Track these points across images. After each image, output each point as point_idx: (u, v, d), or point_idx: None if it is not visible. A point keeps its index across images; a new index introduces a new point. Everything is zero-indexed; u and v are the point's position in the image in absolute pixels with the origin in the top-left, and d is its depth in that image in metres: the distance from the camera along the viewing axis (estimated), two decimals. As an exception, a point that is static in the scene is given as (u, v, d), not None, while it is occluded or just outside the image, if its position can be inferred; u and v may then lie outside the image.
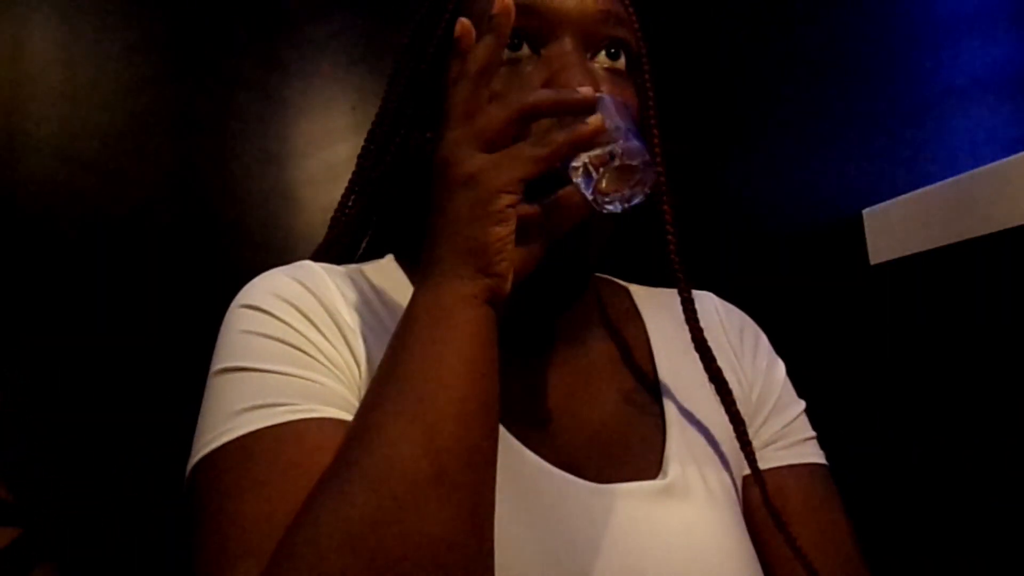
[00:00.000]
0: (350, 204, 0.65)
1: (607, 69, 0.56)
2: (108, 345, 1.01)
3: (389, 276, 0.60)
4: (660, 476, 0.55)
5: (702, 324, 0.61)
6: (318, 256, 0.64)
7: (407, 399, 0.42)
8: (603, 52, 0.56)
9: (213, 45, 1.11)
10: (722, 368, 0.60)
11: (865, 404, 0.96)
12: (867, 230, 0.98)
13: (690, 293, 0.59)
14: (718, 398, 0.59)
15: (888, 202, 0.96)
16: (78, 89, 1.07)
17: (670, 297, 0.66)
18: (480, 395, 0.43)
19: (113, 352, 1.01)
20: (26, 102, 1.05)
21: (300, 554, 0.38)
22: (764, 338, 0.69)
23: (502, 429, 0.51)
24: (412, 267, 0.61)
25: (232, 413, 0.47)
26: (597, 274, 0.70)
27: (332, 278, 0.56)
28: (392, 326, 0.50)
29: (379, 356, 0.48)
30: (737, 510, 0.58)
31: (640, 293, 0.70)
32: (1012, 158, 0.80)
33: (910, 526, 0.90)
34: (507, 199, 0.43)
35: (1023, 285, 0.80)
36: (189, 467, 0.48)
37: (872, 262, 0.97)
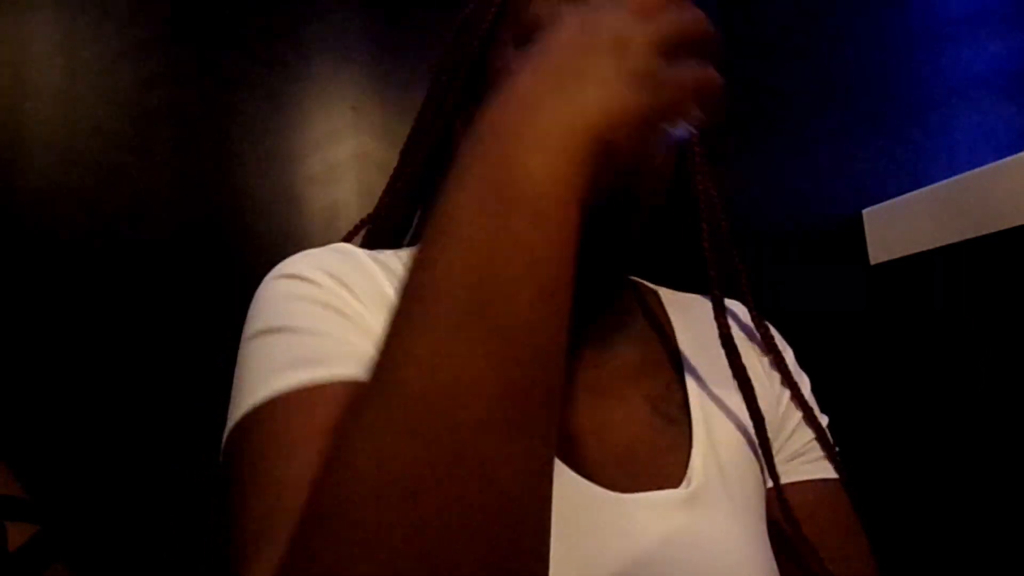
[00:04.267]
0: (396, 190, 0.63)
1: None
2: (109, 345, 1.01)
3: None
4: (684, 485, 0.54)
5: (732, 331, 0.61)
6: (351, 239, 0.63)
7: (467, 311, 0.31)
8: None
9: (213, 45, 1.11)
10: (750, 376, 0.59)
11: (865, 404, 0.96)
12: (867, 230, 0.98)
13: (722, 292, 0.59)
14: (744, 405, 0.58)
15: (888, 202, 0.96)
16: (78, 89, 1.07)
17: (698, 302, 0.67)
18: (558, 325, 0.34)
19: (113, 352, 1.01)
20: (26, 102, 1.05)
21: (330, 515, 0.29)
22: (790, 351, 0.69)
23: None
24: None
25: (270, 371, 0.43)
26: (630, 277, 0.69)
27: (371, 259, 0.53)
28: None
29: None
30: (760, 520, 0.57)
31: (668, 297, 0.70)
32: (1012, 158, 0.80)
33: (910, 526, 0.90)
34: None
35: (1023, 285, 0.80)
36: (226, 434, 0.44)
37: (872, 262, 0.97)
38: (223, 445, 0.44)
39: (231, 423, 0.44)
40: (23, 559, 0.78)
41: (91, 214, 1.03)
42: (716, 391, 0.61)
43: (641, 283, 0.70)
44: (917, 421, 0.92)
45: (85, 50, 1.08)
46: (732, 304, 0.69)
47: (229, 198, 1.09)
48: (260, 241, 1.08)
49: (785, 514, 0.57)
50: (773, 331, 0.68)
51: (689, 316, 0.67)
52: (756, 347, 0.66)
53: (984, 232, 0.82)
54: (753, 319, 0.63)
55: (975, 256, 0.83)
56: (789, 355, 0.68)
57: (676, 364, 0.63)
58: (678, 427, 0.58)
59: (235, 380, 0.46)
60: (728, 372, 0.59)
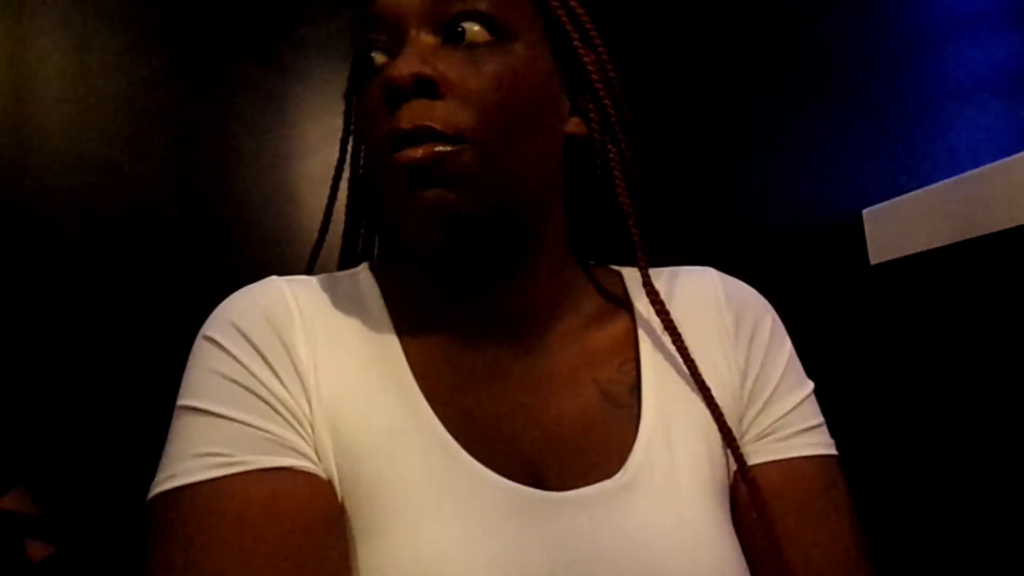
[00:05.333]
0: (346, 210, 0.66)
1: (465, 46, 0.53)
2: (108, 345, 1.01)
3: (356, 286, 0.60)
4: (620, 474, 0.53)
5: (693, 303, 0.60)
6: (313, 260, 0.65)
7: None
8: (451, 35, 0.53)
9: (213, 45, 1.11)
10: (712, 351, 0.58)
11: (865, 404, 0.96)
12: (867, 230, 0.99)
13: (647, 268, 0.58)
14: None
15: (888, 202, 0.96)
16: (78, 89, 1.07)
17: (667, 278, 0.63)
18: None
19: (113, 352, 1.01)
20: (27, 102, 1.05)
21: None
22: (768, 319, 0.63)
23: (460, 450, 0.51)
24: (384, 276, 0.60)
25: (186, 456, 0.48)
26: (591, 262, 0.66)
27: (295, 295, 0.55)
28: (349, 339, 0.54)
29: (334, 368, 0.52)
30: (717, 506, 0.55)
31: (632, 274, 0.65)
32: (1012, 158, 0.80)
33: (909, 526, 0.90)
34: None
35: (1023, 285, 0.80)
36: (149, 495, 0.48)
37: (872, 262, 0.97)
38: (147, 499, 0.48)
39: (153, 490, 0.48)
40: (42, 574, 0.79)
41: (91, 214, 1.03)
42: (675, 371, 0.58)
43: (605, 267, 0.67)
44: (917, 421, 0.92)
45: (85, 50, 1.08)
46: (698, 270, 0.65)
47: (229, 198, 1.09)
48: (260, 241, 1.08)
49: (752, 497, 0.54)
50: (749, 296, 0.64)
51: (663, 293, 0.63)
52: (721, 315, 0.62)
53: (984, 232, 0.82)
54: (646, 288, 0.58)
55: (975, 256, 0.84)
56: (766, 322, 0.63)
57: (633, 347, 0.60)
58: (627, 412, 0.56)
59: (166, 442, 0.50)
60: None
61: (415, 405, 0.53)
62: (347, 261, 0.66)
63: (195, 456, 0.47)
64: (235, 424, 0.48)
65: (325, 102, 1.14)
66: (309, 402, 0.51)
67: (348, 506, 0.50)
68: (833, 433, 0.63)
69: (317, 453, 0.50)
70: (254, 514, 0.45)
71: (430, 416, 0.52)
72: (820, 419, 0.61)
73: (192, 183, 1.08)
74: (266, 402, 0.50)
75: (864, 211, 0.99)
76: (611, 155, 0.59)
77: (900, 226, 0.94)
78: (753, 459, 0.57)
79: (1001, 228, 0.80)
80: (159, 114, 1.09)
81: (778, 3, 1.16)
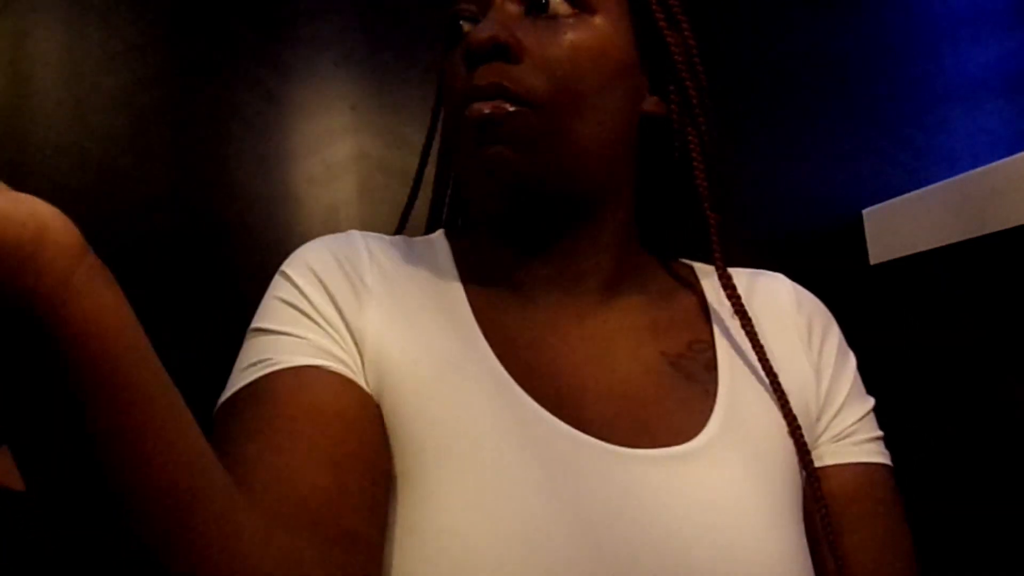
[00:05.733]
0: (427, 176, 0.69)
1: (547, 17, 0.55)
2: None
3: (430, 247, 0.62)
4: (695, 441, 0.52)
5: (768, 305, 0.61)
6: (402, 224, 0.68)
7: None
8: (535, 4, 0.56)
9: (213, 45, 1.11)
10: (787, 348, 0.59)
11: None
12: (867, 230, 0.99)
13: (724, 261, 0.59)
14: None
15: (888, 202, 0.96)
16: (79, 89, 1.07)
17: (743, 275, 0.65)
18: None
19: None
20: (27, 103, 1.05)
21: None
22: (836, 329, 0.66)
23: (521, 391, 0.52)
24: (457, 240, 0.63)
25: (240, 370, 0.52)
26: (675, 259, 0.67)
27: (369, 245, 0.59)
28: (416, 284, 0.57)
29: (398, 303, 0.54)
30: (783, 491, 0.54)
31: (704, 269, 0.67)
32: (1012, 158, 0.80)
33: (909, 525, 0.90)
34: None
35: (1023, 285, 0.80)
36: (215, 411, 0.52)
37: (872, 262, 0.97)
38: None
39: (217, 406, 0.52)
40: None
41: (91, 214, 1.03)
42: (749, 360, 0.59)
43: (671, 260, 0.67)
44: (917, 421, 0.92)
45: (85, 50, 1.08)
46: (771, 275, 0.67)
47: (229, 198, 1.09)
48: (260, 241, 1.08)
49: (815, 493, 0.54)
50: (817, 302, 0.66)
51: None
52: (794, 319, 0.63)
53: (984, 232, 0.82)
54: (719, 272, 0.60)
55: (975, 256, 0.84)
56: (835, 328, 0.65)
57: (706, 328, 0.61)
58: (701, 386, 0.56)
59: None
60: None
61: (475, 344, 0.54)
62: (433, 228, 0.68)
63: (245, 368, 0.51)
64: (281, 336, 0.52)
65: (325, 102, 1.14)
66: (362, 326, 0.53)
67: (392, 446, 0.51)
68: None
69: (364, 373, 0.52)
70: (281, 400, 0.48)
71: (489, 355, 0.53)
72: (881, 432, 0.63)
73: (191, 183, 1.08)
74: (312, 319, 0.53)
75: (864, 211, 0.99)
76: (691, 137, 0.59)
77: (900, 226, 0.94)
78: (829, 460, 0.58)
79: (1001, 228, 0.80)
80: (158, 113, 1.09)
81: (778, 4, 1.16)
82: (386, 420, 0.51)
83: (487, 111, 0.52)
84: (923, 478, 0.90)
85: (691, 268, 0.67)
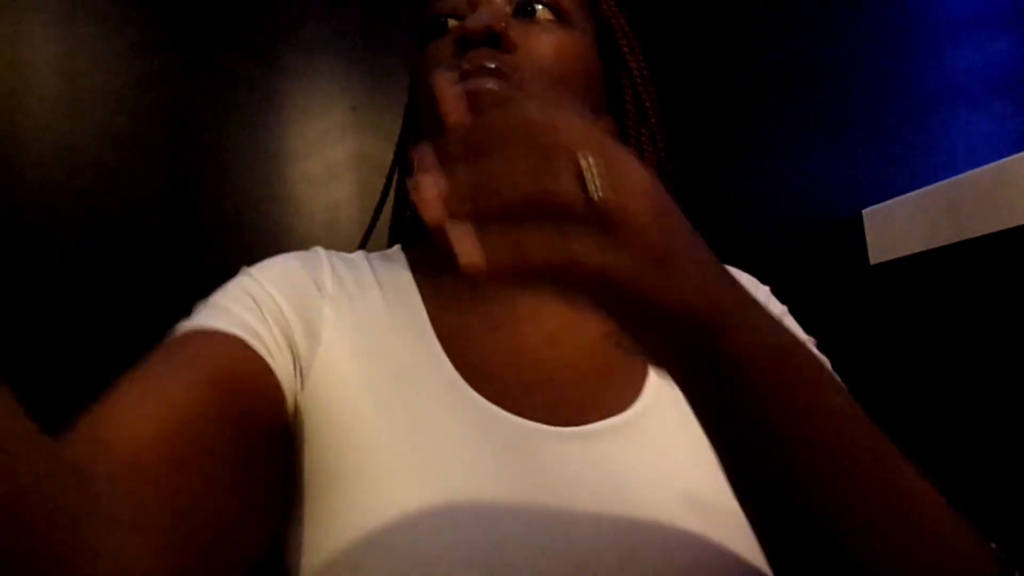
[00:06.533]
0: (380, 208, 0.71)
1: (528, 20, 0.59)
2: (105, 344, 1.01)
3: (387, 258, 0.65)
4: (631, 408, 0.56)
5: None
6: (365, 239, 0.71)
7: None
8: (521, 9, 0.60)
9: (213, 45, 1.11)
10: None
11: (864, 404, 0.96)
12: (867, 230, 0.99)
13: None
14: None
15: (888, 202, 0.96)
16: (78, 89, 1.07)
17: None
18: None
19: (110, 351, 1.00)
20: (26, 102, 1.05)
21: None
22: (763, 292, 0.69)
23: (469, 388, 0.54)
24: (414, 254, 0.65)
25: (178, 328, 0.53)
26: None
27: (331, 258, 0.61)
28: (373, 291, 0.58)
29: (356, 310, 0.56)
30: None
31: None
32: (1012, 158, 0.80)
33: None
34: None
35: (1023, 285, 0.80)
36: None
37: (872, 262, 0.97)
38: None
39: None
40: None
41: (91, 214, 1.03)
42: None
43: None
44: (917, 421, 0.92)
45: (85, 50, 1.08)
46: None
47: (228, 198, 1.09)
48: (259, 241, 1.08)
49: None
50: (752, 279, 0.69)
51: None
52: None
53: (984, 232, 0.82)
54: None
55: (975, 256, 0.84)
56: (762, 295, 0.68)
57: None
58: (640, 361, 0.59)
59: None
60: None
61: (428, 348, 0.56)
62: (395, 239, 0.71)
63: (181, 326, 0.53)
64: (220, 308, 0.54)
65: (325, 102, 1.14)
66: (320, 331, 0.55)
67: (333, 452, 0.51)
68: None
69: (301, 365, 0.53)
70: (183, 348, 0.50)
71: (442, 357, 0.56)
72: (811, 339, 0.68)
73: (191, 183, 1.08)
74: (256, 302, 0.54)
75: (864, 211, 0.99)
76: (646, 147, 0.64)
77: (900, 226, 0.94)
78: None
79: (1001, 228, 0.80)
80: (158, 113, 1.09)
81: (778, 4, 1.16)
82: (335, 417, 0.52)
83: (477, 77, 0.54)
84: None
85: None
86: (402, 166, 0.70)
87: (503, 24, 0.56)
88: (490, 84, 0.53)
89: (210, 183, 1.09)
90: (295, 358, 0.53)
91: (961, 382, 0.87)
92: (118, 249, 1.04)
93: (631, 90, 0.65)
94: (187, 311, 0.57)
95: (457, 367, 0.55)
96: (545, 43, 0.58)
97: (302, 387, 0.53)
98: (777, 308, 0.68)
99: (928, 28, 0.96)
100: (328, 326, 0.55)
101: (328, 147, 1.12)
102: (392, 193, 0.72)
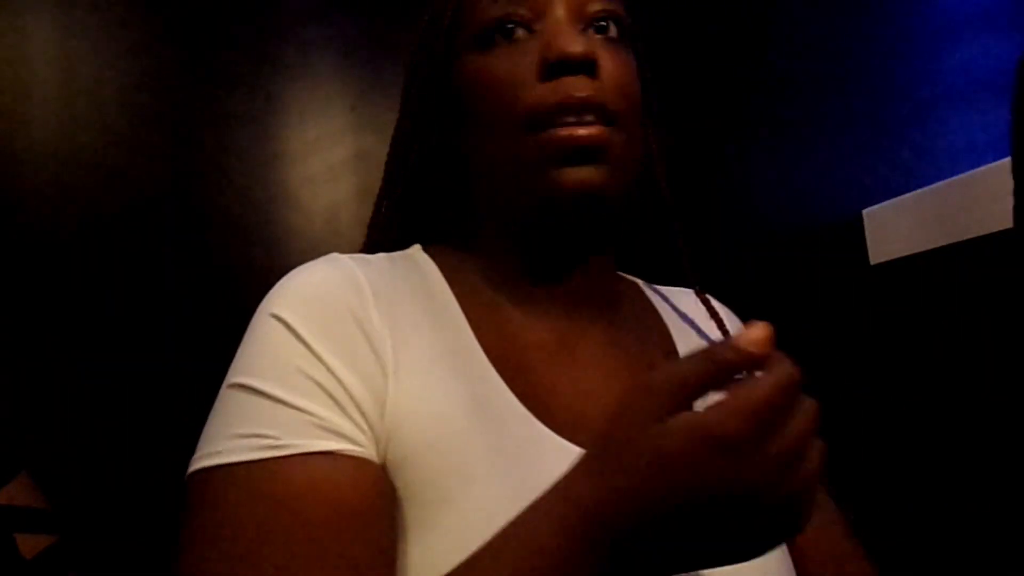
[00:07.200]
0: (384, 208, 0.65)
1: (601, 38, 0.58)
2: (104, 344, 1.01)
3: (415, 267, 0.60)
4: None
5: (696, 321, 0.66)
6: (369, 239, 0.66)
7: None
8: (592, 25, 0.58)
9: (213, 45, 1.11)
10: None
11: (864, 404, 0.96)
12: (867, 230, 0.98)
13: (705, 294, 0.65)
14: None
15: (888, 202, 0.96)
16: (78, 89, 1.07)
17: (675, 294, 0.70)
18: None
19: (111, 352, 1.01)
20: (26, 102, 1.05)
21: None
22: (738, 321, 0.71)
23: (540, 424, 0.52)
24: (440, 255, 0.61)
25: (231, 435, 0.47)
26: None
27: (363, 272, 0.54)
28: (420, 320, 0.53)
29: (410, 346, 0.51)
30: None
31: (646, 287, 0.72)
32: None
33: (908, 526, 0.90)
34: None
35: (1023, 285, 0.79)
36: (189, 469, 0.48)
37: (872, 262, 0.97)
38: (187, 473, 0.48)
39: (192, 465, 0.47)
40: (39, 568, 0.79)
41: (89, 214, 1.03)
42: None
43: (622, 275, 0.71)
44: (917, 421, 0.92)
45: (84, 50, 1.08)
46: (685, 292, 0.72)
47: (228, 198, 1.09)
48: (260, 241, 1.08)
49: None
50: (732, 315, 0.70)
51: (665, 304, 0.70)
52: (712, 326, 0.68)
53: (984, 232, 0.82)
54: (699, 296, 0.65)
55: (975, 256, 0.84)
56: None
57: (666, 346, 0.64)
58: None
59: (210, 416, 0.49)
60: None
61: (490, 382, 0.53)
62: (377, 244, 0.65)
63: (240, 436, 0.46)
64: (286, 408, 0.47)
65: (325, 102, 1.14)
66: (386, 379, 0.50)
67: (415, 482, 0.49)
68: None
69: (377, 434, 0.49)
70: (294, 497, 0.44)
71: (506, 392, 0.53)
72: None
73: (191, 183, 1.08)
74: (322, 387, 0.48)
75: (864, 211, 0.99)
76: (650, 147, 0.64)
77: (900, 226, 0.94)
78: None
79: (1001, 228, 0.80)
80: (158, 113, 1.09)
81: (778, 4, 1.16)
82: (405, 466, 0.49)
83: (585, 134, 0.52)
84: (922, 478, 0.90)
85: (636, 285, 0.71)
86: (404, 163, 0.65)
87: (593, 49, 0.54)
88: (587, 132, 0.53)
89: (210, 183, 1.09)
90: (370, 427, 0.49)
91: (961, 382, 0.87)
92: (118, 249, 1.04)
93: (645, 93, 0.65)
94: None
95: (524, 402, 0.53)
96: (621, 65, 0.57)
97: (386, 451, 0.50)
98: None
99: (928, 29, 0.96)
100: (389, 377, 0.50)
101: (328, 147, 1.12)
102: (398, 190, 0.66)
